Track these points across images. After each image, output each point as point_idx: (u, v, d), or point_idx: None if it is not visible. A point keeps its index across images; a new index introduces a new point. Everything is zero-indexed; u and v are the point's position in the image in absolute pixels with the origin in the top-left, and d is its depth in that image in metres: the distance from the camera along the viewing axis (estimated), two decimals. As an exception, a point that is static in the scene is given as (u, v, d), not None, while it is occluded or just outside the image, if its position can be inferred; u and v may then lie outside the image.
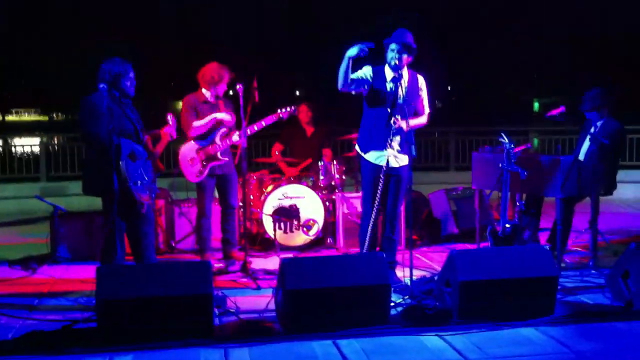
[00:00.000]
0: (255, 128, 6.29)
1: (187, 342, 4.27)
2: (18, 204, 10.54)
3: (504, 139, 5.76)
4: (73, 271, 6.33)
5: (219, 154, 6.31)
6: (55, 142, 14.53)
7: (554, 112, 6.45)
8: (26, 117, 70.72)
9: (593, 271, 6.00)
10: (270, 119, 6.37)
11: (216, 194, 6.59)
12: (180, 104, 6.52)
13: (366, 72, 5.58)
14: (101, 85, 4.95)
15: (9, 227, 8.94)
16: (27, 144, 15.72)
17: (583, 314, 4.86)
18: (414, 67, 5.70)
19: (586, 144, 6.53)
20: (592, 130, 6.47)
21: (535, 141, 12.92)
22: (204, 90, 6.35)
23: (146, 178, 5.20)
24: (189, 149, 6.35)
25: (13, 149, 14.12)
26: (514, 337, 4.45)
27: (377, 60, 5.66)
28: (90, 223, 6.75)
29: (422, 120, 5.77)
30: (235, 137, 6.26)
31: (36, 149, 12.64)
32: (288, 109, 6.43)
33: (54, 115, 62.33)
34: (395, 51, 5.50)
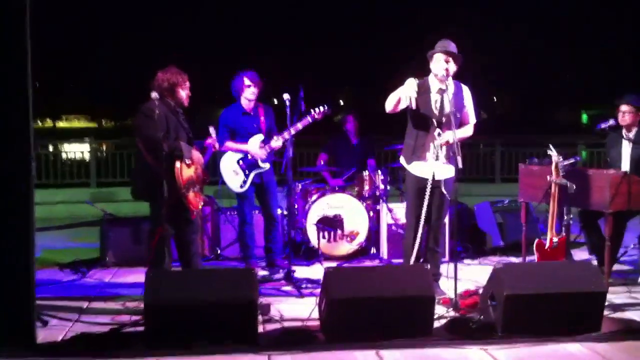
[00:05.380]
0: (292, 131, 6.29)
1: (231, 348, 4.32)
2: (68, 208, 10.80)
3: (552, 151, 5.70)
4: (121, 275, 6.47)
5: (260, 162, 6.38)
6: (105, 148, 14.86)
7: (604, 124, 6.36)
8: (76, 123, 72.24)
9: (642, 287, 5.89)
10: (305, 121, 6.37)
11: (257, 202, 6.65)
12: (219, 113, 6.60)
13: (410, 89, 5.52)
14: (153, 94, 5.08)
15: (60, 231, 9.15)
16: (77, 150, 16.12)
17: (631, 331, 4.76)
18: (459, 78, 5.69)
19: (625, 155, 6.41)
20: (626, 138, 6.36)
21: (584, 154, 12.73)
22: (241, 102, 6.45)
23: (197, 185, 5.33)
24: (230, 159, 6.43)
25: (63, 154, 14.46)
26: (559, 352, 4.39)
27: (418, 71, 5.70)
28: (139, 228, 6.88)
29: (468, 131, 5.74)
30: (274, 143, 6.32)
31: (86, 155, 12.94)
32: (321, 108, 6.39)
33: (103, 122, 63.52)
34: (442, 61, 5.50)
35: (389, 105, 5.51)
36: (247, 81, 6.36)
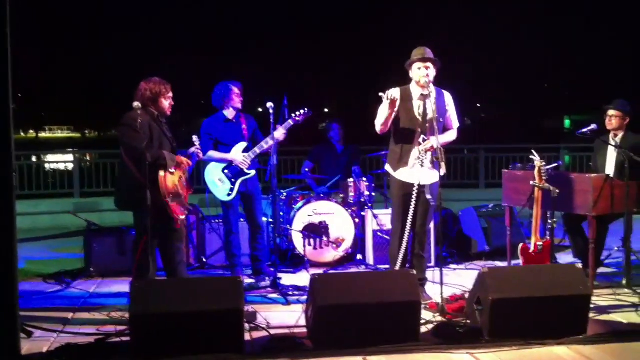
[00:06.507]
0: (275, 136, 6.28)
1: (218, 357, 4.30)
2: (52, 219, 10.73)
3: (535, 156, 5.74)
4: (106, 285, 6.42)
5: (245, 169, 6.36)
6: (88, 158, 14.78)
7: (586, 129, 6.41)
8: (59, 134, 71.88)
9: (626, 290, 5.92)
10: (287, 124, 6.33)
11: (242, 210, 6.63)
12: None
13: (393, 92, 5.57)
14: (135, 104, 5.07)
15: (43, 242, 9.08)
16: (60, 161, 16.03)
17: (616, 333, 4.79)
18: (440, 84, 5.72)
19: (611, 159, 6.47)
20: (612, 143, 6.43)
21: (567, 158, 12.82)
22: (224, 111, 6.44)
23: (181, 194, 5.31)
24: (215, 169, 6.42)
25: (47, 165, 14.37)
26: (546, 355, 4.40)
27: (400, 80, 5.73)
28: (123, 238, 6.84)
29: (452, 135, 5.77)
30: (266, 145, 6.30)
31: (69, 166, 12.86)
32: (302, 111, 6.35)
33: (87, 132, 63.26)
34: (422, 68, 5.53)
35: (380, 123, 5.55)
36: (236, 90, 6.37)
